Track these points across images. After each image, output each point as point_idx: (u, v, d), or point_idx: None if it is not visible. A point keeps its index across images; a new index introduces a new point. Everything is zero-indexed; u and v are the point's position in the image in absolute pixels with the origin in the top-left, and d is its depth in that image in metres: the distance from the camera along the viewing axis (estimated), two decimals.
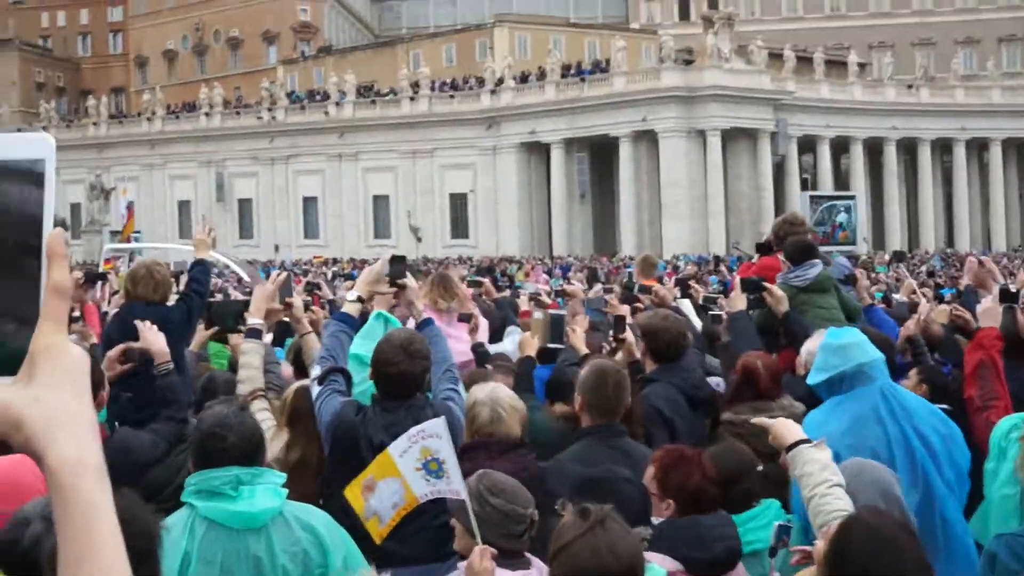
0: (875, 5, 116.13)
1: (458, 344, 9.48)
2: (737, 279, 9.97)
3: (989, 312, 7.49)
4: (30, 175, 1.18)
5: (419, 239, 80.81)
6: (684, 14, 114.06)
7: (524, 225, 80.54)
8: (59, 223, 1.12)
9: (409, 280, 7.22)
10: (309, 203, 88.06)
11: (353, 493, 6.03)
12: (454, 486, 5.53)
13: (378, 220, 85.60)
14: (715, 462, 5.38)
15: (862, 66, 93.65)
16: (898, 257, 49.69)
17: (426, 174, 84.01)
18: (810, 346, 7.15)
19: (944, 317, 11.43)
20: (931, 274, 37.30)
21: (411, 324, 7.24)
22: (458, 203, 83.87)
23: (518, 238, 79.16)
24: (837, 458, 5.36)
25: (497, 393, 6.34)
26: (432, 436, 5.75)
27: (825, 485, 4.74)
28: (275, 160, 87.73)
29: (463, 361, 9.15)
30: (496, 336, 11.34)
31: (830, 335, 6.05)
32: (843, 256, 53.29)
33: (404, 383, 6.17)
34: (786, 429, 5.05)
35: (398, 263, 7.24)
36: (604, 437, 6.25)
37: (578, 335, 8.89)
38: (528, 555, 4.84)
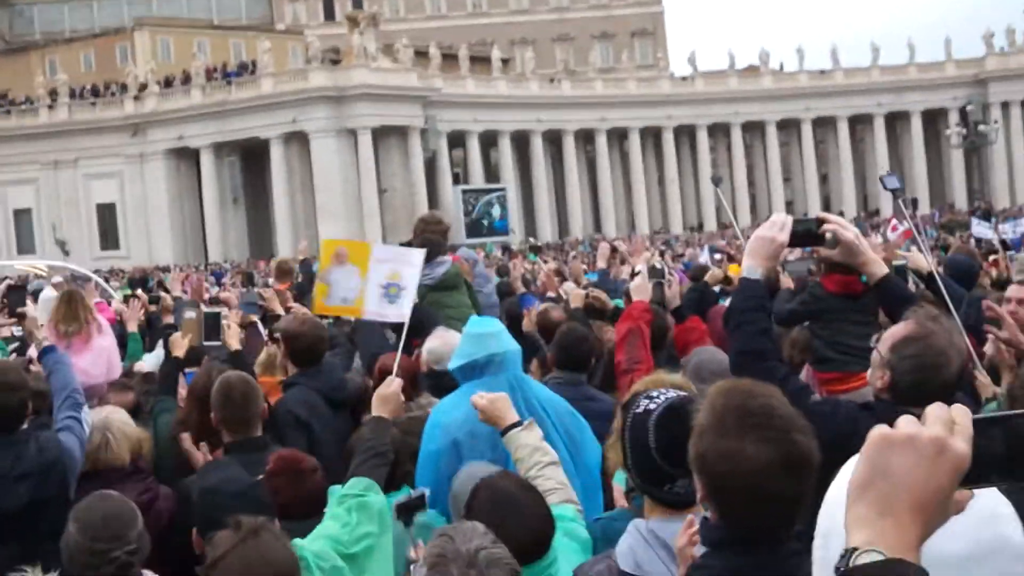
0: (515, 3, 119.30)
1: (87, 366, 9.20)
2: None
3: (639, 288, 8.01)
4: None
5: (67, 252, 77.50)
6: (329, 14, 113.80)
7: (177, 233, 78.59)
8: None
9: (28, 309, 7.03)
10: None
11: (327, 251, 6.51)
12: (401, 311, 5.95)
13: (20, 235, 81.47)
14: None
15: (505, 62, 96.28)
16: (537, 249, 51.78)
17: (70, 185, 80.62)
18: (430, 345, 7.36)
19: (578, 300, 11.92)
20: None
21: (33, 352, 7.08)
22: (106, 213, 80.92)
23: (171, 246, 77.17)
24: (457, 445, 5.53)
25: (110, 418, 6.17)
26: (408, 264, 6.04)
27: (537, 467, 4.81)
28: None
29: (93, 384, 8.88)
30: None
31: (471, 324, 6.14)
32: (497, 248, 54.23)
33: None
34: (500, 413, 5.08)
35: (15, 292, 7.05)
36: (246, 451, 6.14)
37: (233, 331, 8.83)
38: (144, 573, 4.69)
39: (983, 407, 6.00)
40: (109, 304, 15.11)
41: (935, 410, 1.88)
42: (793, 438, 2.90)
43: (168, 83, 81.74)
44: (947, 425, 1.86)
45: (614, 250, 17.99)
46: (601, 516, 5.12)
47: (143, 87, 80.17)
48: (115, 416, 6.20)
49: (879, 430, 1.89)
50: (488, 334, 5.94)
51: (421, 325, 8.48)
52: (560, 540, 4.24)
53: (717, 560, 2.92)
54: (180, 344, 8.62)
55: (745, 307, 4.72)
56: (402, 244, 13.06)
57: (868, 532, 1.82)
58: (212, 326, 8.86)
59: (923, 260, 8.53)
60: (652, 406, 3.80)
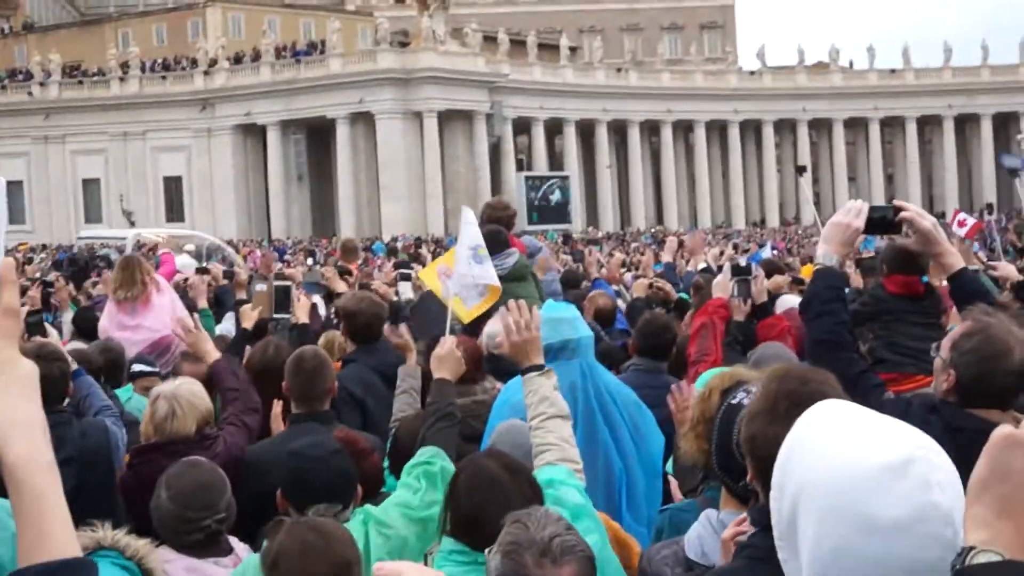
0: None
1: (139, 333, 9.42)
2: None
3: (720, 284, 8.22)
4: None
5: (132, 223, 78.34)
6: None
7: (241, 208, 79.31)
8: None
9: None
10: (13, 187, 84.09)
11: (429, 277, 6.79)
12: (488, 271, 6.27)
13: (88, 205, 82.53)
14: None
15: (573, 50, 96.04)
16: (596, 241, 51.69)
17: (138, 157, 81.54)
18: (490, 328, 7.46)
19: (642, 290, 12.00)
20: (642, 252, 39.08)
21: None
22: (172, 186, 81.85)
23: (235, 221, 77.89)
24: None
25: (179, 389, 6.27)
26: (468, 223, 6.48)
27: (540, 418, 4.75)
28: None
29: (161, 337, 9.13)
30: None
31: (546, 309, 6.11)
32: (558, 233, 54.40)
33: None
34: (527, 350, 4.98)
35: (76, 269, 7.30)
36: (308, 423, 6.20)
37: (303, 304, 9.03)
38: (230, 539, 4.84)
39: None
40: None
41: None
42: None
43: (238, 60, 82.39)
44: None
45: (681, 243, 18.04)
46: (669, 506, 5.13)
47: (213, 63, 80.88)
48: (184, 387, 6.23)
49: (1002, 430, 1.87)
50: (563, 319, 5.96)
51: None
52: None
53: (764, 541, 2.87)
54: (250, 316, 8.77)
55: (824, 296, 4.71)
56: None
57: (986, 532, 1.82)
58: (283, 299, 9.02)
59: (1012, 270, 8.47)
60: (747, 400, 3.73)
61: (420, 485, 4.77)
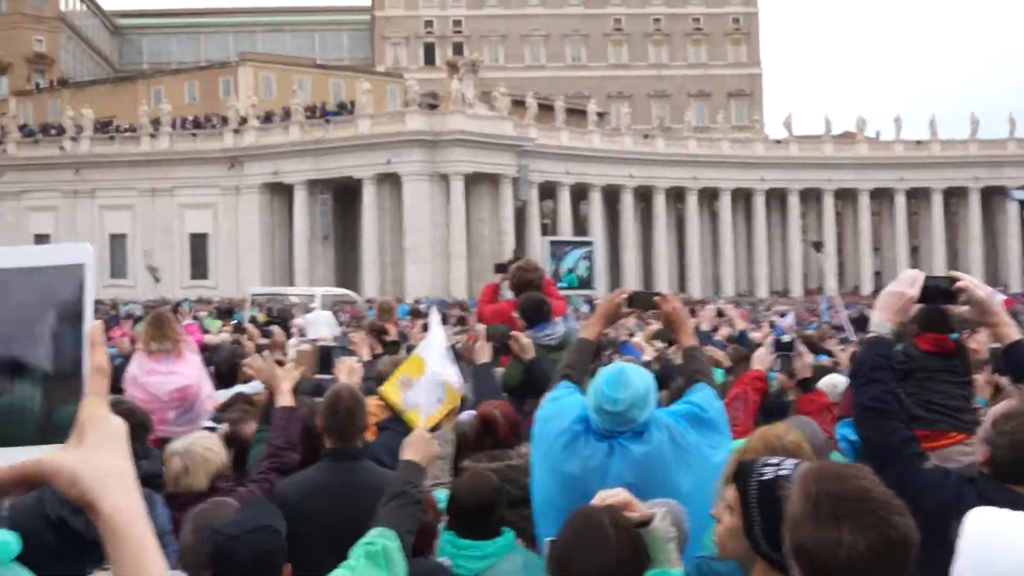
0: (614, 57, 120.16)
1: (172, 378, 9.48)
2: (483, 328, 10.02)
3: (760, 357, 8.51)
4: (74, 277, 1.44)
5: (157, 279, 78.89)
6: (429, 59, 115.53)
7: (266, 266, 79.60)
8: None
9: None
10: (41, 240, 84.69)
11: (390, 388, 6.87)
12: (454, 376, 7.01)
13: (115, 260, 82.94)
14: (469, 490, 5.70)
15: (601, 115, 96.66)
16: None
17: (165, 213, 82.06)
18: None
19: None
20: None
21: None
22: (198, 243, 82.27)
23: (260, 279, 78.03)
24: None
25: (192, 445, 6.39)
26: (438, 325, 6.55)
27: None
28: (4, 196, 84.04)
29: (186, 384, 9.17)
30: (225, 381, 11.33)
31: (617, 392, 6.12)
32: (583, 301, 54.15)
33: None
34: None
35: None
36: (339, 460, 6.50)
37: (346, 365, 9.04)
38: None
39: None
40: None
41: None
42: (891, 520, 2.87)
43: (268, 118, 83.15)
44: None
45: (720, 313, 18.06)
46: (703, 555, 5.03)
47: (243, 121, 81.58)
48: (198, 443, 6.46)
49: None
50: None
51: (543, 379, 8.45)
52: None
53: None
54: (293, 374, 8.82)
55: (874, 363, 4.75)
56: (497, 267, 13.13)
57: None
58: (325, 359, 9.08)
59: None
60: (783, 472, 3.61)
61: (358, 564, 4.77)
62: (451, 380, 7.57)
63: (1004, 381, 9.29)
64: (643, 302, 6.10)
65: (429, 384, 7.24)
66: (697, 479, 5.21)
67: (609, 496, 4.48)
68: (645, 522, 4.16)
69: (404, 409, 7.25)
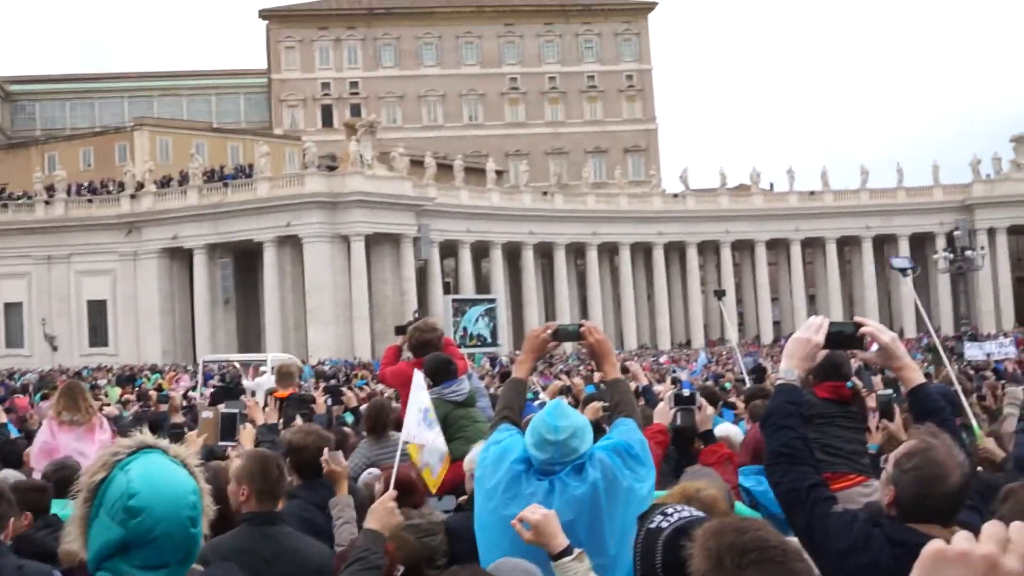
0: (511, 115, 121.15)
1: (81, 459, 9.36)
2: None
3: (660, 412, 8.72)
4: None
5: (55, 348, 77.58)
6: (327, 121, 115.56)
7: (166, 332, 78.58)
8: None
9: None
10: None
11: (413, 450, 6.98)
12: (439, 438, 6.41)
13: (10, 329, 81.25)
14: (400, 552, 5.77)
15: (500, 173, 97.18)
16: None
17: (62, 280, 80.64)
18: (473, 455, 7.66)
19: (594, 413, 12.16)
20: (567, 372, 39.79)
21: None
22: (96, 310, 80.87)
23: (160, 345, 77.15)
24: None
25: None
26: (420, 388, 6.54)
27: None
28: None
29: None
30: None
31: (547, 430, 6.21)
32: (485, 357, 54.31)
33: None
34: (550, 535, 4.74)
35: None
36: (260, 524, 6.40)
37: (248, 432, 8.99)
38: None
39: None
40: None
41: (990, 527, 1.92)
42: (791, 567, 2.99)
43: (165, 183, 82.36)
44: (1001, 543, 1.90)
45: (624, 369, 18.25)
46: None
47: (140, 186, 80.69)
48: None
49: (933, 545, 1.95)
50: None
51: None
52: None
53: None
54: (195, 442, 8.76)
55: (784, 411, 4.85)
56: (398, 329, 13.24)
57: None
58: (229, 426, 9.02)
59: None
60: (664, 524, 3.86)
61: None
62: (440, 449, 7.83)
63: (893, 427, 9.62)
64: (568, 334, 6.08)
65: (430, 453, 7.60)
66: (625, 511, 5.32)
67: (530, 513, 4.75)
68: None
69: (420, 467, 7.69)
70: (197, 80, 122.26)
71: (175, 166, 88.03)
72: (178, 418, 11.13)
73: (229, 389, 30.28)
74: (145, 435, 3.28)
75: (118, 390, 38.19)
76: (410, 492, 7.40)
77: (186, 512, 3.08)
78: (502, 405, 6.17)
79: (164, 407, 14.11)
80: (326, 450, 7.75)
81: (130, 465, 3.10)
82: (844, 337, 5.01)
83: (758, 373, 25.39)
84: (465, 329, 78.12)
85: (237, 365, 50.16)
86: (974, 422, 10.51)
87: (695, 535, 3.18)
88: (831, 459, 8.80)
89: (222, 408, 9.82)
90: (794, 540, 3.82)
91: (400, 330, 12.68)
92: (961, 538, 1.93)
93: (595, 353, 6.22)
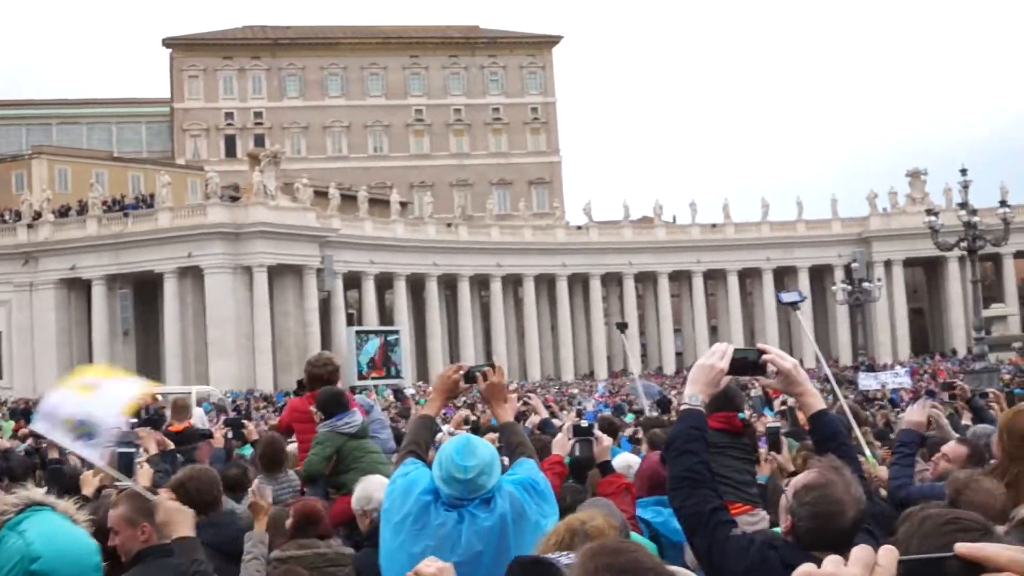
0: (416, 147, 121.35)
1: None
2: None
3: (559, 443, 8.89)
4: None
5: None
6: (231, 151, 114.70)
7: (64, 364, 76.73)
8: None
9: None
10: None
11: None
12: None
13: None
14: None
15: (404, 205, 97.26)
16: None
17: None
18: (360, 494, 7.66)
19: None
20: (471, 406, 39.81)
21: None
22: None
23: (57, 378, 75.41)
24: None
25: None
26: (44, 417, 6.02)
27: None
28: None
29: None
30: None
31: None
32: (393, 390, 53.98)
33: None
34: None
35: None
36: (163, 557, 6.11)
37: (145, 471, 8.84)
38: None
39: None
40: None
41: (859, 552, 2.00)
42: None
43: (64, 212, 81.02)
44: (867, 567, 1.98)
45: (524, 402, 18.36)
46: None
47: (37, 215, 79.32)
48: None
49: (803, 569, 2.03)
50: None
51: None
52: None
53: None
54: (91, 482, 8.60)
55: (687, 436, 4.94)
56: (300, 384, 13.22)
57: None
58: (125, 465, 8.84)
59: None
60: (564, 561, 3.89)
61: None
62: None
63: (781, 458, 9.79)
64: (747, 364, 5.73)
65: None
66: (531, 545, 5.39)
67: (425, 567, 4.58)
68: None
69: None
70: (98, 108, 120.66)
71: (74, 195, 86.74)
72: (54, 454, 10.90)
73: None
74: (32, 491, 3.22)
75: (12, 424, 37.45)
76: (315, 523, 7.40)
77: (92, 574, 3.05)
78: (409, 440, 6.20)
79: None
80: (256, 482, 7.70)
81: (23, 525, 3.03)
82: (748, 363, 5.10)
83: (663, 406, 25.59)
84: (368, 361, 77.75)
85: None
86: (867, 451, 10.74)
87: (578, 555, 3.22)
88: (721, 488, 8.95)
89: (118, 448, 9.63)
90: (676, 568, 3.88)
91: (300, 386, 12.63)
92: (830, 562, 2.00)
93: (489, 396, 6.26)
